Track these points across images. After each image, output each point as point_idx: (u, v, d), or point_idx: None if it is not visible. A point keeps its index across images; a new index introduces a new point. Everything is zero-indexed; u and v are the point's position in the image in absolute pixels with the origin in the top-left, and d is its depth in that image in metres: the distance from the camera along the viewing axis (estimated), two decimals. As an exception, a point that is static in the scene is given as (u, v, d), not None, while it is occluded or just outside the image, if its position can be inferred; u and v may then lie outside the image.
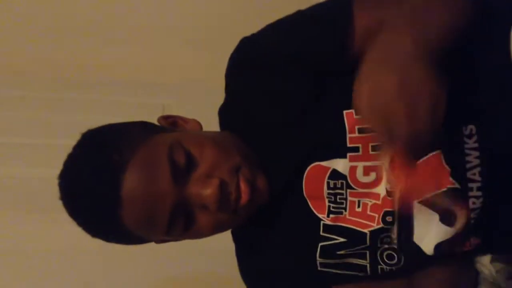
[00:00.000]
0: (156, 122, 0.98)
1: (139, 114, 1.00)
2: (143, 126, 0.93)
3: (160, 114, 1.02)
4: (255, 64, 0.94)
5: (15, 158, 1.76)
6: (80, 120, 0.96)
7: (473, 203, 0.87)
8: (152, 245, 0.99)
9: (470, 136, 0.87)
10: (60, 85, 2.04)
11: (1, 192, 1.65)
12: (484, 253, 0.95)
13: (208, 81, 1.52)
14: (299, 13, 0.95)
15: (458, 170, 0.87)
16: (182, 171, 0.86)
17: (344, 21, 0.89)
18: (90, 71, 2.09)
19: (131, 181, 0.83)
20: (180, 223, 0.87)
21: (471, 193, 0.87)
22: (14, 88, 1.98)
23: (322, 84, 0.92)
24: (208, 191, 0.85)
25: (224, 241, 1.06)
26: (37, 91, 1.99)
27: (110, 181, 0.83)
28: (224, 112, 1.03)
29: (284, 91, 0.93)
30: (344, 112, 0.89)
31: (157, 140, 0.88)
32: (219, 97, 1.04)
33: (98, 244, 0.94)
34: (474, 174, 0.87)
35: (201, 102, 1.44)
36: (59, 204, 0.90)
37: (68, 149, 0.91)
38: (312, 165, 0.93)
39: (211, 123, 1.03)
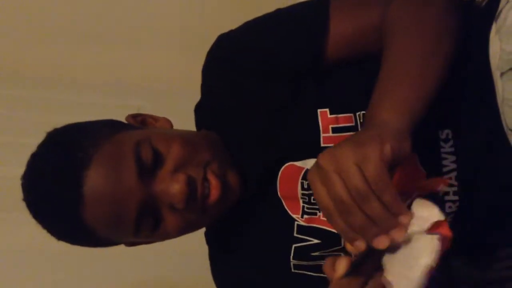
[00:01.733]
0: (124, 121, 0.97)
1: (114, 115, 0.98)
2: (110, 124, 0.92)
3: (133, 115, 1.02)
4: (231, 62, 0.94)
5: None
6: (52, 120, 0.94)
7: (449, 207, 0.88)
8: (121, 248, 0.97)
9: (446, 141, 0.87)
10: (34, 84, 2.01)
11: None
12: (458, 255, 0.95)
13: (184, 83, 1.52)
14: (277, 12, 0.96)
15: (435, 174, 0.87)
16: (149, 169, 0.84)
17: (320, 25, 0.90)
18: (66, 71, 2.07)
19: (93, 178, 0.81)
20: (148, 223, 0.85)
21: (447, 197, 0.88)
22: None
23: (297, 83, 0.91)
24: (175, 187, 0.83)
25: (197, 243, 1.05)
26: (8, 89, 1.96)
27: (71, 178, 0.81)
28: (199, 110, 1.03)
29: (258, 90, 0.93)
30: (318, 111, 0.89)
31: (124, 137, 0.86)
32: (195, 99, 1.04)
33: (66, 246, 0.92)
34: (451, 178, 0.87)
35: (177, 104, 1.43)
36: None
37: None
38: (286, 165, 0.92)
39: (187, 125, 1.01)
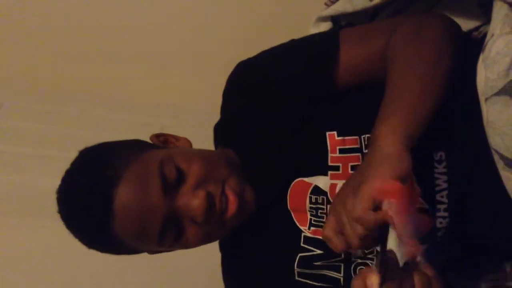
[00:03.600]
0: (149, 140, 1.02)
1: (139, 132, 1.06)
2: (136, 144, 0.98)
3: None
4: (249, 86, 1.01)
5: (18, 167, 1.82)
6: (82, 135, 1.00)
7: (440, 223, 0.92)
8: (142, 255, 1.02)
9: (440, 162, 0.92)
10: (64, 100, 2.10)
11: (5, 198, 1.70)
12: (451, 269, 0.97)
13: (205, 104, 1.57)
14: (292, 43, 1.03)
15: (428, 192, 0.91)
16: (172, 185, 0.90)
17: (331, 54, 0.96)
18: (94, 88, 2.15)
19: (123, 195, 0.87)
20: (171, 234, 0.91)
21: (438, 214, 0.92)
22: (22, 100, 2.05)
23: (308, 107, 0.97)
24: (195, 202, 0.89)
25: (209, 253, 1.11)
26: (39, 104, 2.05)
27: (103, 195, 0.87)
28: (218, 129, 1.09)
29: (273, 112, 0.99)
30: (327, 133, 0.95)
31: (149, 156, 0.92)
32: (216, 120, 1.10)
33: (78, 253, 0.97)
34: (442, 196, 0.91)
35: (199, 123, 1.48)
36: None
37: (67, 161, 0.95)
38: (296, 180, 0.98)
39: (208, 144, 1.08)
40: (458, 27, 0.99)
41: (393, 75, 0.88)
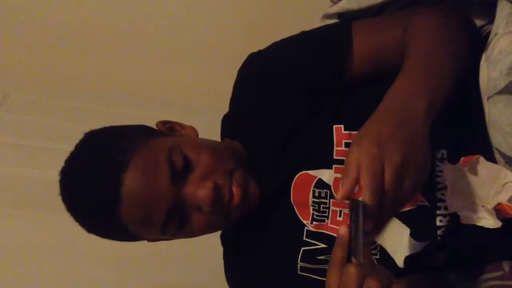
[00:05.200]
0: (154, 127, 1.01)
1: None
2: (143, 130, 0.98)
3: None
4: (260, 78, 1.01)
5: (17, 159, 1.82)
6: (88, 129, 0.98)
7: (440, 220, 0.92)
8: (145, 251, 1.02)
9: (441, 160, 0.92)
10: (71, 93, 2.11)
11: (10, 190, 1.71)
12: (451, 269, 0.99)
13: (210, 100, 1.57)
14: (303, 34, 1.03)
15: (429, 190, 0.91)
16: (180, 174, 0.90)
17: (343, 45, 0.96)
18: (101, 83, 2.17)
19: (131, 181, 0.87)
20: (175, 222, 0.91)
21: (438, 212, 0.92)
22: (27, 92, 2.06)
23: (317, 99, 0.97)
24: (203, 193, 0.90)
25: (209, 249, 1.11)
26: (45, 97, 2.06)
27: (111, 179, 0.87)
28: (226, 120, 1.09)
29: (282, 105, 0.99)
30: (334, 126, 0.95)
31: (157, 143, 0.92)
32: (219, 115, 1.10)
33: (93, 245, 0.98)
34: (443, 194, 0.92)
35: (202, 120, 1.49)
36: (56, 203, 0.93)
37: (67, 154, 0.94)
38: (300, 173, 0.98)
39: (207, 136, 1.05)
40: (470, 19, 1.00)
41: (414, 51, 0.88)
